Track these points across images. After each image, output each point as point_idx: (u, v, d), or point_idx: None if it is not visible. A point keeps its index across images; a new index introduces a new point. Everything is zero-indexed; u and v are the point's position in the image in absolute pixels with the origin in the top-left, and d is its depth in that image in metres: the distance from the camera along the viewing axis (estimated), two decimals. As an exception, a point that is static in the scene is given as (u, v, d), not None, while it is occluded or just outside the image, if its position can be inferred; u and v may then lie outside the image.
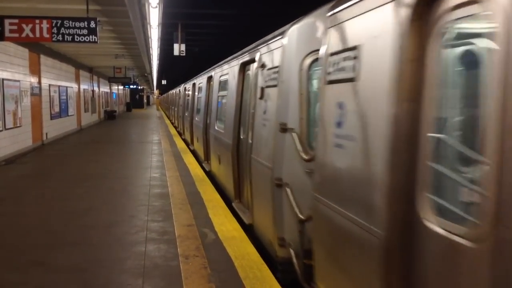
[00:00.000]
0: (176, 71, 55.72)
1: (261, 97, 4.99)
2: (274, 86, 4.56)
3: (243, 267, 4.27)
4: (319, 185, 3.14)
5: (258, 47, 5.59)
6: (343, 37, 2.88)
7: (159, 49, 20.55)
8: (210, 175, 9.13)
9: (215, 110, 8.92)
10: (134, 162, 11.56)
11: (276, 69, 4.56)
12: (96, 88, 27.33)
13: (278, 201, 4.33)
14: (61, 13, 9.52)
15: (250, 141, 5.45)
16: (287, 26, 4.58)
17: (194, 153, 12.60)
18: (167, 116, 36.31)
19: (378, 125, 2.34)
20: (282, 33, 4.57)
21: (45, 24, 8.78)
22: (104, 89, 31.90)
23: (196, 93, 13.10)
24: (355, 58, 2.62)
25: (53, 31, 8.80)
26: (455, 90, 2.16)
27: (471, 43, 2.09)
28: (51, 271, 4.33)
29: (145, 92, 66.78)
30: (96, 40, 8.99)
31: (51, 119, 16.19)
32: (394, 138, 2.21)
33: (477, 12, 1.88)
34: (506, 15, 1.66)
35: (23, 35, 8.76)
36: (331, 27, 3.06)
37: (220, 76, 8.66)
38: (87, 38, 8.94)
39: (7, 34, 8.72)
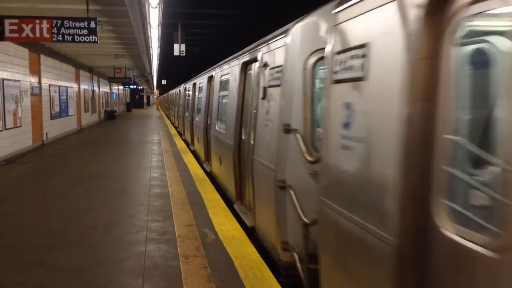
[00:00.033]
0: (176, 71, 55.74)
1: (264, 97, 4.90)
2: (277, 85, 4.47)
3: (243, 267, 4.27)
4: (325, 188, 3.03)
5: (260, 46, 5.49)
6: (350, 35, 2.77)
7: (159, 49, 20.56)
8: (210, 175, 9.08)
9: (216, 110, 8.81)
10: (134, 162, 11.56)
11: (279, 69, 4.47)
12: (96, 88, 27.33)
13: (282, 203, 4.24)
14: (61, 13, 9.52)
15: (252, 142, 5.36)
16: (290, 24, 4.50)
17: (194, 153, 12.54)
18: (167, 116, 36.31)
19: (390, 126, 2.22)
20: (285, 32, 4.48)
21: (45, 24, 8.78)
22: (104, 89, 31.90)
23: (197, 93, 13.00)
24: (363, 56, 2.51)
25: (53, 31, 8.80)
26: (472, 89, 2.08)
27: (489, 41, 2.03)
28: (51, 271, 4.33)
29: (145, 92, 66.78)
30: (96, 40, 8.99)
31: (51, 119, 16.20)
32: (407, 139, 2.10)
33: (496, 8, 1.78)
34: None
35: (23, 35, 8.77)
36: (338, 24, 2.95)
37: (221, 76, 8.56)
38: (87, 38, 8.94)
39: (7, 34, 8.73)
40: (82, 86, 22.72)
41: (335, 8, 3.03)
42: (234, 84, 6.99)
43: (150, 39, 15.30)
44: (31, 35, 8.78)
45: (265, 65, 5.02)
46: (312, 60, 4.13)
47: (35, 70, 14.39)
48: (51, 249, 4.90)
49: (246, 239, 5.10)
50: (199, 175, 9.14)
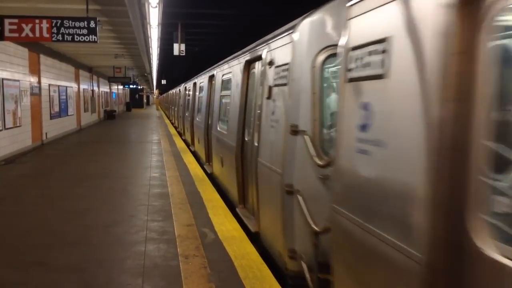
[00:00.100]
0: (176, 71, 55.72)
1: (269, 97, 4.68)
2: (284, 84, 4.25)
3: (243, 267, 4.27)
4: (339, 196, 2.79)
5: (265, 44, 5.27)
6: (367, 29, 2.52)
7: (159, 49, 20.53)
8: (211, 177, 8.94)
9: (217, 111, 8.56)
10: (134, 162, 11.56)
11: (286, 67, 4.24)
12: (95, 88, 27.32)
13: (289, 209, 4.00)
14: (61, 13, 9.52)
15: (256, 143, 5.14)
16: (297, 20, 4.27)
17: (194, 154, 12.41)
18: (166, 116, 36.30)
19: (416, 128, 2.00)
20: (292, 28, 4.24)
21: (45, 24, 8.78)
22: (104, 88, 31.90)
23: (197, 93, 12.79)
24: (383, 52, 2.29)
25: (53, 31, 8.80)
26: None
27: None
28: (51, 271, 4.33)
29: (144, 92, 66.79)
30: (96, 39, 8.99)
31: (50, 118, 16.20)
32: (437, 144, 1.88)
33: None
34: None
35: (23, 34, 8.76)
36: (353, 18, 2.71)
37: (223, 75, 8.34)
38: (87, 38, 8.94)
39: (7, 33, 8.72)
40: (82, 86, 22.72)
41: (349, 1, 2.81)
42: (236, 84, 6.79)
43: (150, 39, 15.30)
44: (30, 34, 8.78)
45: (270, 63, 4.80)
46: (322, 57, 3.93)
47: (35, 69, 14.39)
48: (51, 249, 4.90)
49: (245, 239, 5.09)
50: (198, 175, 9.14)
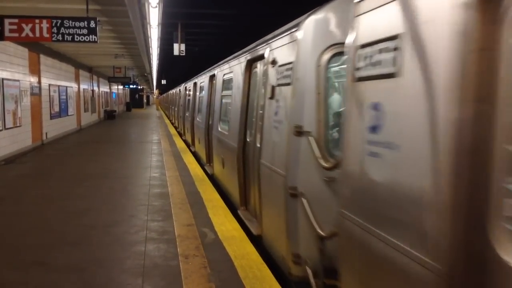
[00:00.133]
0: (176, 71, 55.72)
1: (272, 97, 4.57)
2: (287, 84, 4.14)
3: (243, 267, 4.27)
4: (347, 200, 2.66)
5: (267, 43, 5.15)
6: (377, 26, 2.40)
7: (159, 48, 20.54)
8: (212, 178, 8.85)
9: (218, 111, 8.43)
10: (134, 162, 11.56)
11: (290, 66, 4.12)
12: (95, 88, 27.33)
13: (293, 213, 3.88)
14: (61, 13, 9.53)
15: (258, 144, 5.04)
16: (302, 17, 4.13)
17: (195, 154, 12.33)
18: (166, 116, 36.31)
19: (432, 130, 1.89)
20: (297, 26, 4.11)
21: (45, 24, 8.78)
22: (104, 88, 31.91)
23: (198, 93, 12.68)
24: (395, 49, 2.18)
25: (53, 30, 8.80)
26: None
27: None
28: (51, 270, 4.33)
29: (144, 92, 66.80)
30: (96, 39, 8.99)
31: (50, 118, 16.20)
32: (456, 148, 1.77)
33: None
34: None
35: (23, 34, 8.77)
36: (361, 14, 2.59)
37: (224, 75, 8.22)
38: (87, 38, 8.94)
39: (7, 33, 8.73)
40: (82, 86, 22.72)
41: None
42: (238, 83, 6.66)
43: (149, 39, 15.30)
44: (30, 34, 8.78)
45: (273, 62, 4.68)
46: (327, 56, 3.80)
47: (35, 69, 14.39)
48: (51, 249, 4.90)
49: (245, 239, 5.09)
50: (198, 175, 9.14)
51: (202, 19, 23.55)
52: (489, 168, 1.68)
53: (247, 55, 6.28)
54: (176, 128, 22.27)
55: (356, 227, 2.49)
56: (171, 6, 14.93)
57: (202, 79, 12.00)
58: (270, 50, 4.94)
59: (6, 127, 11.43)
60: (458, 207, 1.75)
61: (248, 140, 5.91)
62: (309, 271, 3.66)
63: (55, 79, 16.99)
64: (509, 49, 1.65)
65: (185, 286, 3.87)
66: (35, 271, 4.32)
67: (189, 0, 19.02)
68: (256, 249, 4.79)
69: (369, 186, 2.39)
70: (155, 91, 78.90)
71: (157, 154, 12.44)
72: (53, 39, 8.84)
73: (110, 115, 30.78)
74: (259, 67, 5.63)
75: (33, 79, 14.14)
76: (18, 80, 12.42)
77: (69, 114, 19.33)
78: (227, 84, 7.94)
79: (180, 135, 18.30)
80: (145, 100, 68.13)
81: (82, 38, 8.92)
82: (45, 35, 8.81)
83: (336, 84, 4.04)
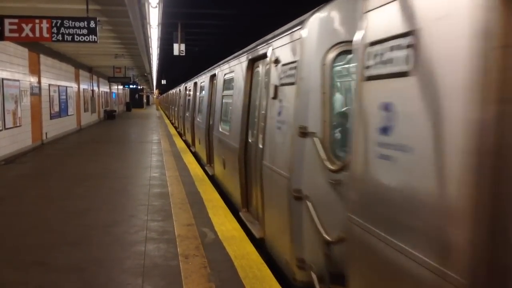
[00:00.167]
0: (176, 71, 55.70)
1: (275, 97, 4.46)
2: (291, 84, 4.04)
3: (243, 267, 4.27)
4: (356, 205, 2.55)
5: (270, 41, 5.03)
6: (388, 22, 2.29)
7: (158, 48, 20.53)
8: (213, 179, 8.79)
9: (219, 111, 8.33)
10: (134, 162, 11.56)
11: (294, 65, 4.03)
12: (95, 88, 27.33)
13: (297, 216, 3.77)
14: (61, 13, 9.53)
15: (260, 145, 4.95)
16: (306, 15, 4.03)
17: (195, 155, 12.28)
18: (166, 116, 36.30)
19: (450, 132, 1.78)
20: (301, 23, 4.00)
21: (45, 24, 8.78)
22: (104, 88, 31.91)
23: (198, 93, 12.60)
24: (408, 46, 2.06)
25: (53, 30, 8.80)
26: None
27: None
28: (51, 270, 4.33)
29: (144, 91, 66.81)
30: (96, 39, 8.99)
31: (50, 118, 16.20)
32: (478, 151, 1.65)
33: None
34: None
35: (23, 34, 8.77)
36: (371, 10, 2.48)
37: (225, 74, 8.14)
38: (87, 38, 8.94)
39: (7, 33, 8.73)
40: (82, 86, 22.73)
41: None
42: (239, 83, 6.57)
43: (149, 39, 15.29)
44: (30, 34, 8.78)
45: (276, 61, 4.57)
46: (332, 54, 3.70)
47: (35, 69, 14.40)
48: (51, 249, 4.90)
49: (245, 239, 5.09)
50: (198, 175, 9.14)
51: (202, 19, 23.53)
52: None
53: (249, 54, 6.19)
54: (176, 128, 22.26)
55: (366, 233, 2.37)
56: (171, 6, 14.92)
57: (203, 79, 11.92)
58: (273, 49, 4.86)
59: (6, 127, 11.44)
60: (480, 214, 1.63)
61: (250, 140, 5.83)
62: (314, 277, 3.58)
63: (55, 79, 16.99)
64: None
65: (185, 286, 3.87)
66: (35, 271, 4.33)
67: (189, 0, 19.01)
68: (256, 249, 4.79)
69: (379, 190, 2.28)
70: (155, 91, 78.87)
71: (157, 154, 12.44)
72: (53, 39, 8.84)
73: (110, 115, 30.78)
74: (261, 66, 5.54)
75: (33, 79, 14.14)
76: (18, 80, 12.42)
77: (69, 114, 19.33)
78: (228, 84, 7.86)
79: (180, 135, 18.28)
80: (145, 100, 68.15)
81: (82, 38, 8.92)
82: (45, 35, 8.81)
83: (342, 84, 3.99)
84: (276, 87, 4.47)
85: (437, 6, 1.92)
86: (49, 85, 16.08)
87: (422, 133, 1.94)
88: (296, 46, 4.05)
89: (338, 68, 3.87)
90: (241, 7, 20.06)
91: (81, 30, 8.88)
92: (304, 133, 3.70)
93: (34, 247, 4.99)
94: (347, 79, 4.18)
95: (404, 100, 2.11)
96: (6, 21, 8.67)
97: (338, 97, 3.98)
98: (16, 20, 8.72)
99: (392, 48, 2.20)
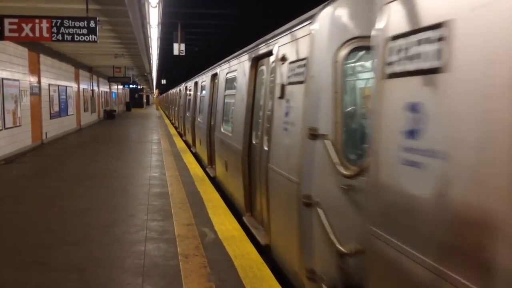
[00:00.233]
0: (176, 70, 55.69)
1: (282, 96, 4.22)
2: (300, 82, 3.77)
3: (243, 267, 4.28)
4: (377, 216, 2.31)
5: (276, 38, 4.79)
6: (415, 13, 2.07)
7: (158, 48, 20.54)
8: (214, 181, 8.67)
9: (221, 111, 8.10)
10: (134, 162, 11.56)
11: (303, 62, 3.76)
12: (95, 88, 27.33)
13: (307, 224, 3.51)
14: (61, 13, 9.53)
15: (265, 147, 4.75)
16: (316, 9, 3.76)
17: (196, 156, 12.16)
18: (166, 116, 36.30)
19: (497, 137, 1.56)
20: (311, 18, 3.74)
21: (44, 24, 8.79)
22: (104, 88, 31.92)
23: (199, 93, 12.42)
24: (440, 39, 1.83)
25: (52, 30, 8.81)
26: None
27: None
28: (51, 270, 4.33)
29: (144, 91, 66.83)
30: (95, 39, 9.00)
31: (50, 118, 16.20)
32: None
33: None
34: None
35: (23, 34, 8.77)
36: (393, 1, 2.25)
37: (227, 73, 7.92)
38: (86, 38, 8.95)
39: (6, 33, 8.73)
40: (82, 86, 22.73)
41: None
42: (242, 82, 6.37)
43: (149, 39, 15.30)
44: (30, 34, 8.78)
45: (283, 58, 4.31)
46: (345, 51, 3.41)
47: (35, 69, 14.40)
48: (50, 249, 4.91)
49: (245, 239, 5.09)
50: (198, 174, 9.14)
51: (202, 19, 23.52)
52: None
53: (253, 52, 5.99)
54: (176, 128, 22.25)
55: (389, 247, 2.14)
56: (171, 6, 14.92)
57: (204, 78, 11.72)
58: (279, 46, 4.59)
59: (6, 126, 11.44)
60: None
61: (254, 142, 5.65)
62: None
63: (55, 78, 16.99)
64: None
65: (185, 286, 3.87)
66: (35, 270, 4.33)
67: (189, 0, 19.01)
68: (256, 249, 4.79)
69: (406, 200, 2.04)
70: (155, 91, 78.85)
71: (157, 154, 12.44)
72: (53, 39, 8.85)
73: (110, 115, 30.78)
74: (267, 64, 5.35)
75: (33, 79, 14.15)
76: (18, 80, 12.42)
77: (69, 114, 19.33)
78: (230, 83, 7.66)
79: (180, 135, 18.25)
80: (145, 100, 68.17)
81: (82, 38, 8.92)
82: (45, 35, 8.81)
83: (355, 82, 3.77)
84: (283, 86, 4.23)
85: None
86: (49, 85, 16.08)
87: (458, 136, 1.73)
88: (305, 43, 3.80)
89: (352, 65, 3.63)
90: (241, 7, 20.06)
91: (81, 30, 8.88)
92: (314, 135, 3.44)
93: (34, 246, 4.99)
94: (362, 77, 3.90)
95: (435, 99, 1.87)
96: (6, 20, 8.68)
97: (353, 96, 3.74)
98: (16, 20, 8.72)
99: (419, 42, 1.98)
